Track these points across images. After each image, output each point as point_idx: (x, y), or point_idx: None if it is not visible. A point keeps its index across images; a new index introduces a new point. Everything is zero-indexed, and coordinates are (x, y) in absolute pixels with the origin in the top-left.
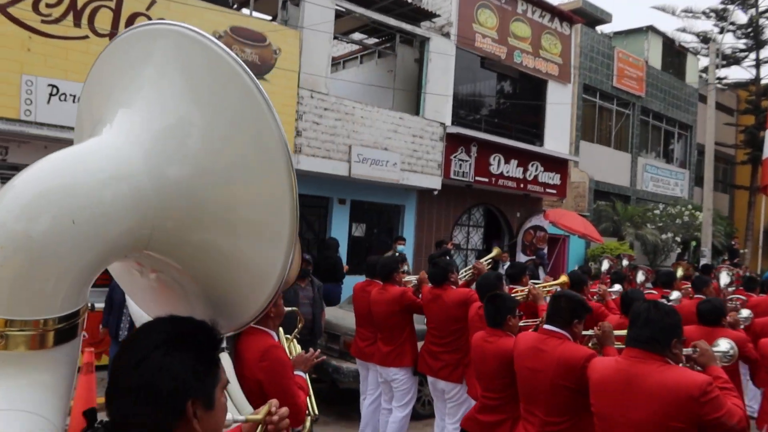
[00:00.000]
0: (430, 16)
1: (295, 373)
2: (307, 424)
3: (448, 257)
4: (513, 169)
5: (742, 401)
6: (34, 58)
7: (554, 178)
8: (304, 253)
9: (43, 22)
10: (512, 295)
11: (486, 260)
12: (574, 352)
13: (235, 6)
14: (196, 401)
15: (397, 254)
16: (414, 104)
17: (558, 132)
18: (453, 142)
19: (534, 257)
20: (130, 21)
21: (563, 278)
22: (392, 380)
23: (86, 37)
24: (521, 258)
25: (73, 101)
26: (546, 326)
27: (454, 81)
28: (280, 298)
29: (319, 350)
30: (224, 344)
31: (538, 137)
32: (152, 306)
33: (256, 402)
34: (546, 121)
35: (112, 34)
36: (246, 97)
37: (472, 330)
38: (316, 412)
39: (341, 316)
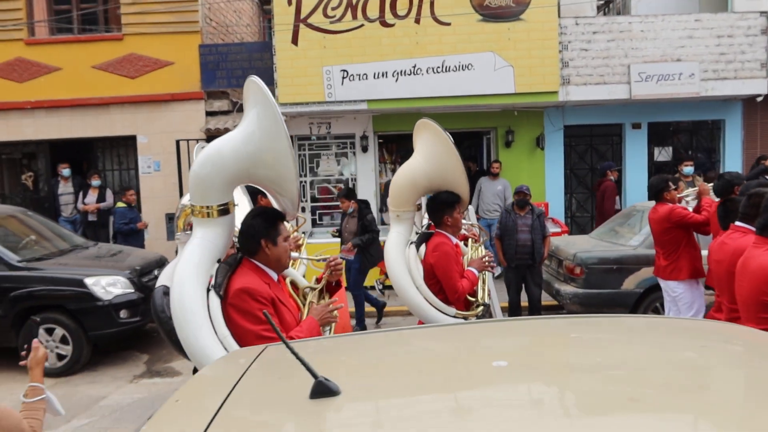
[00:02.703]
0: None
1: (468, 268)
2: (478, 311)
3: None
4: None
5: None
6: (329, 52)
7: None
8: (522, 185)
9: (330, 22)
10: None
11: None
12: (749, 242)
13: None
14: (267, 240)
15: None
16: (720, 1)
17: None
18: None
19: None
20: (393, 4)
21: None
22: (673, 294)
23: (362, 25)
24: None
25: (359, 79)
26: (737, 222)
27: None
28: (459, 214)
29: (488, 255)
30: (413, 240)
31: None
32: (273, 204)
33: (431, 280)
34: None
35: (381, 20)
36: (275, 121)
37: None
38: (486, 300)
39: (572, 242)
